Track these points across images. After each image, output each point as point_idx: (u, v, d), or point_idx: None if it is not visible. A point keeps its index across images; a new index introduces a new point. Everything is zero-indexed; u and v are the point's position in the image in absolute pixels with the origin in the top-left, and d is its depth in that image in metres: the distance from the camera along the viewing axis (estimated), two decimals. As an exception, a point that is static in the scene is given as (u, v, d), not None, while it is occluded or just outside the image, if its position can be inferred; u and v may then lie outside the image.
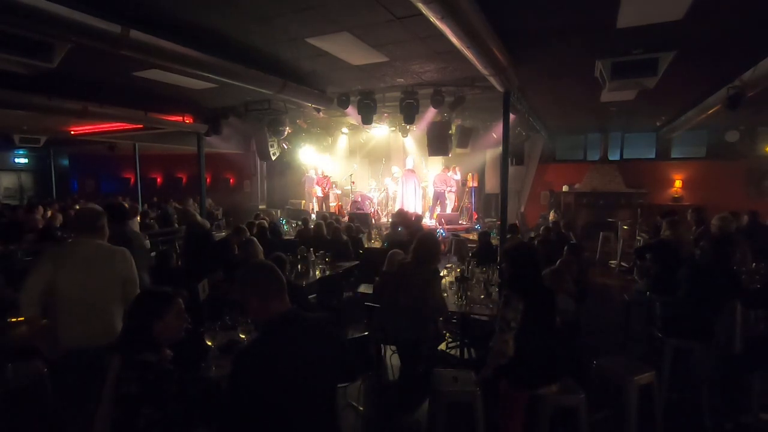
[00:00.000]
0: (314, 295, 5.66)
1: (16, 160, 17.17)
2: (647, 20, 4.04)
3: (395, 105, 7.02)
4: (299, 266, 5.45)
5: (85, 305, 2.57)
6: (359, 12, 3.89)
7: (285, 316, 1.74)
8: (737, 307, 4.17)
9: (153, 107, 7.84)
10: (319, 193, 13.08)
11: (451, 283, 4.75)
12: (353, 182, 12.89)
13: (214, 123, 8.48)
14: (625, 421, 3.12)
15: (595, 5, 3.76)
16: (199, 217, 6.92)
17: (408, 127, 9.24)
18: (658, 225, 6.58)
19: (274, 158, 9.86)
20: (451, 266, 5.39)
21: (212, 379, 2.52)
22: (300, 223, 8.65)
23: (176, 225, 10.53)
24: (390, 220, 10.30)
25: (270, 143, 9.33)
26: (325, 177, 13.10)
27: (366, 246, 7.80)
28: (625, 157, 11.99)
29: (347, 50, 4.96)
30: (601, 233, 9.69)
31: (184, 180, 16.67)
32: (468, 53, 4.02)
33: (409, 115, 6.81)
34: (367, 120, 7.13)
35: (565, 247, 4.74)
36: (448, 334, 4.87)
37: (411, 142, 12.27)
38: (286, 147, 11.01)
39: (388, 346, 4.74)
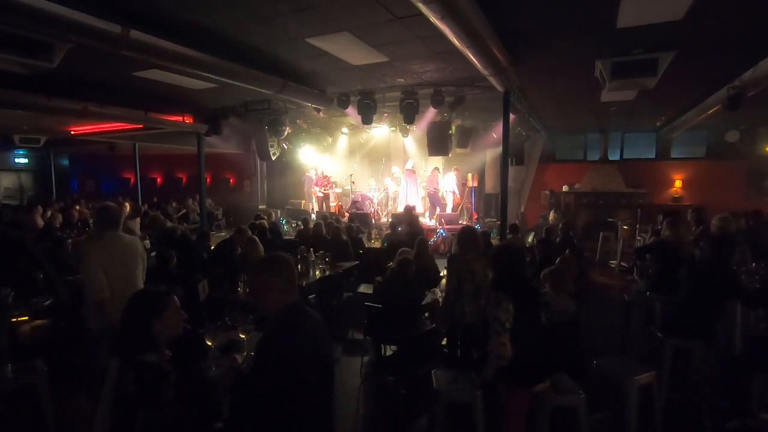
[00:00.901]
0: (314, 295, 5.66)
1: (16, 160, 17.16)
2: (647, 20, 4.04)
3: (395, 105, 7.03)
4: (299, 266, 5.44)
5: (128, 285, 3.14)
6: (359, 12, 3.89)
7: (297, 306, 1.83)
8: (737, 307, 4.18)
9: (153, 107, 7.84)
10: (319, 193, 13.08)
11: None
12: (353, 182, 12.89)
13: (214, 123, 8.48)
14: (625, 421, 3.12)
15: (595, 5, 3.76)
16: (169, 223, 6.96)
17: (408, 127, 9.24)
18: (658, 225, 6.58)
19: (274, 158, 9.87)
20: (451, 266, 5.38)
21: (212, 379, 2.52)
22: (300, 223, 8.65)
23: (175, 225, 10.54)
24: (390, 220, 10.31)
25: (270, 143, 9.34)
26: (325, 177, 13.10)
27: (366, 246, 7.80)
28: (625, 157, 11.99)
29: (347, 50, 4.96)
30: (601, 233, 9.69)
31: (184, 180, 16.66)
32: (468, 53, 4.02)
33: (409, 115, 6.81)
34: (367, 120, 7.14)
35: (566, 248, 4.74)
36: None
37: (411, 142, 12.28)
38: (286, 147, 11.02)
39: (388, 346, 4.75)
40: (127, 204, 9.83)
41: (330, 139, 12.43)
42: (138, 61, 4.67)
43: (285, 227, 9.90)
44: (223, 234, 10.23)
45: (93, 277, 3.08)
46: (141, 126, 8.76)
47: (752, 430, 3.25)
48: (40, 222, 8.07)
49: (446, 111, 7.77)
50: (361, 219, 10.23)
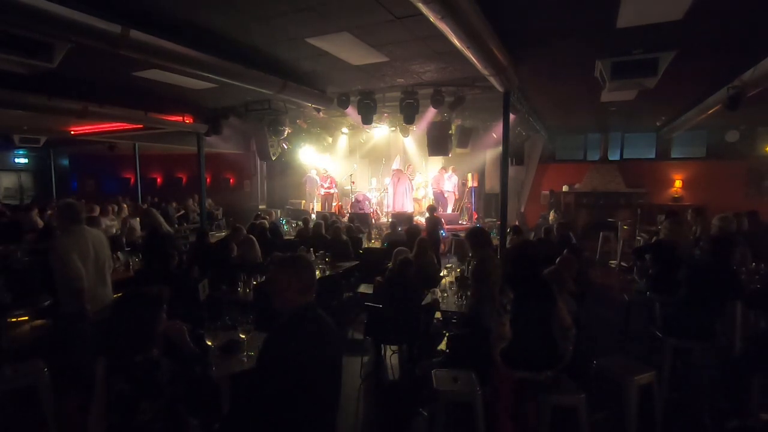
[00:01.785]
0: (314, 295, 5.66)
1: (16, 160, 17.16)
2: (647, 20, 4.04)
3: (395, 105, 7.02)
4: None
5: (98, 274, 3.52)
6: (359, 12, 3.89)
7: (310, 309, 1.86)
8: (737, 307, 4.18)
9: (153, 107, 7.83)
10: (321, 191, 13.11)
11: (451, 283, 4.75)
12: (353, 182, 12.89)
13: (214, 123, 8.48)
14: (625, 421, 3.12)
15: (595, 5, 3.76)
16: (164, 225, 6.94)
17: (408, 127, 9.24)
18: (658, 225, 6.58)
19: (274, 158, 9.86)
20: (451, 266, 5.39)
21: (212, 378, 2.52)
22: (300, 223, 8.65)
23: (176, 225, 10.55)
24: (390, 220, 10.32)
25: (270, 143, 9.33)
26: (329, 176, 13.14)
27: (366, 246, 7.79)
28: (625, 157, 11.99)
29: (347, 50, 4.95)
30: (601, 233, 9.68)
31: (184, 180, 16.66)
32: (468, 53, 4.02)
33: (409, 115, 6.81)
34: (367, 120, 7.13)
35: (564, 248, 4.73)
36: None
37: (411, 142, 12.30)
38: (286, 147, 11.01)
39: (388, 346, 4.76)
40: (125, 206, 9.85)
41: (330, 139, 12.44)
42: (138, 61, 4.67)
43: (285, 227, 9.88)
44: (224, 234, 10.22)
45: (73, 267, 3.29)
46: (141, 126, 8.75)
47: (752, 430, 3.25)
48: (40, 222, 8.07)
49: (446, 111, 7.77)
50: (361, 219, 10.23)
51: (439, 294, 4.56)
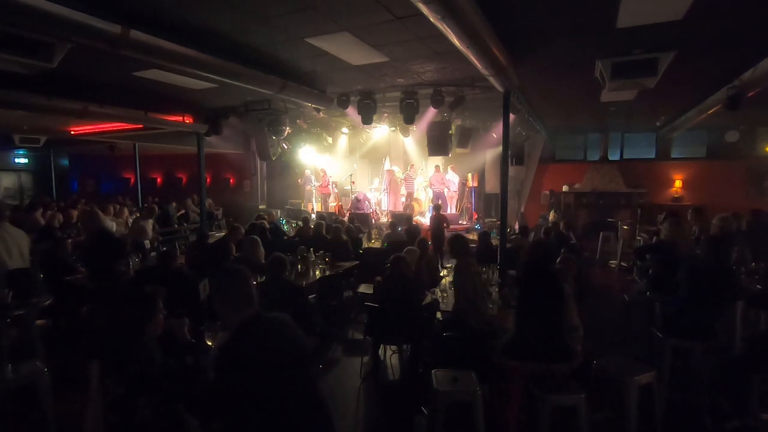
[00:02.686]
0: (314, 295, 5.66)
1: (16, 160, 17.15)
2: (647, 20, 4.04)
3: (395, 105, 7.02)
4: (299, 266, 5.44)
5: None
6: (359, 12, 3.89)
7: (251, 320, 1.82)
8: (737, 307, 4.19)
9: (153, 107, 7.83)
10: (312, 190, 13.22)
11: (450, 283, 4.74)
12: (353, 182, 12.89)
13: (214, 123, 8.48)
14: (625, 421, 3.12)
15: (595, 5, 3.76)
16: (107, 223, 6.77)
17: (408, 127, 9.24)
18: (658, 225, 6.58)
19: (274, 158, 9.86)
20: (451, 266, 5.38)
21: (206, 372, 2.52)
22: (300, 223, 8.64)
23: (176, 225, 10.55)
24: (390, 220, 10.32)
25: (270, 143, 9.33)
26: (324, 175, 13.17)
27: (366, 246, 7.79)
28: (625, 157, 11.99)
29: (347, 50, 4.95)
30: (601, 233, 9.69)
31: (184, 180, 16.65)
32: (468, 53, 4.02)
33: (409, 115, 6.81)
34: (367, 120, 7.13)
35: (562, 247, 4.74)
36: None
37: (411, 142, 12.32)
38: (286, 147, 11.01)
39: (388, 346, 4.76)
40: (125, 208, 9.85)
41: (330, 139, 12.45)
42: (138, 61, 4.67)
43: (285, 227, 9.89)
44: (223, 234, 10.22)
45: None
46: (141, 126, 8.74)
47: (752, 430, 3.25)
48: (42, 222, 8.07)
49: (446, 111, 7.77)
50: (361, 219, 10.23)
51: (439, 294, 4.57)
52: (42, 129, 10.44)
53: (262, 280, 4.49)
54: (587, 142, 12.37)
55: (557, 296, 3.07)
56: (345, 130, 11.53)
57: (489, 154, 12.53)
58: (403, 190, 12.58)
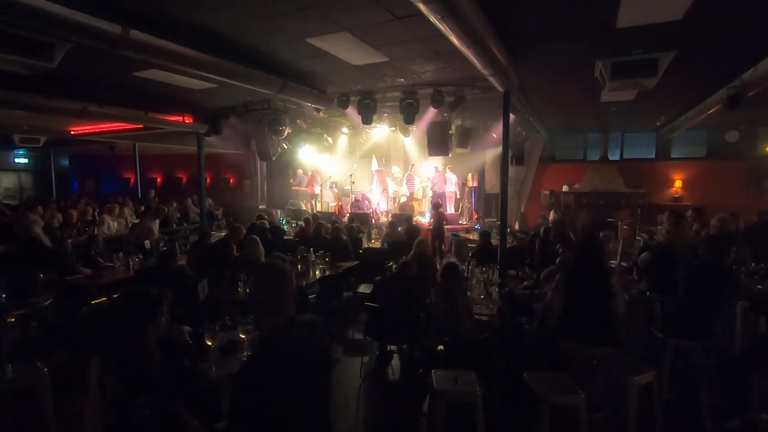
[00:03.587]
0: (314, 295, 5.65)
1: (16, 160, 17.16)
2: (647, 20, 4.04)
3: (395, 105, 7.02)
4: (299, 266, 5.44)
5: None
6: (359, 12, 3.89)
7: (287, 325, 1.77)
8: (738, 307, 4.19)
9: (153, 107, 7.84)
10: (298, 187, 13.39)
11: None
12: (353, 182, 12.89)
13: (214, 123, 8.48)
14: (625, 421, 3.12)
15: (595, 5, 3.76)
16: (36, 228, 5.87)
17: (408, 127, 9.25)
18: (658, 225, 6.58)
19: (274, 158, 9.86)
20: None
21: (212, 378, 2.52)
22: (301, 223, 8.64)
23: (175, 225, 10.55)
24: (389, 219, 10.32)
25: (270, 143, 9.33)
26: (313, 176, 13.24)
27: (366, 246, 7.79)
28: (625, 157, 11.98)
29: (347, 50, 4.95)
30: (601, 233, 9.67)
31: (184, 180, 16.65)
32: (468, 53, 4.02)
33: (409, 115, 6.81)
34: (367, 120, 7.13)
35: (558, 246, 4.72)
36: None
37: (411, 142, 12.31)
38: (286, 147, 11.01)
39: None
40: (126, 210, 9.85)
41: (330, 139, 12.45)
42: (138, 61, 4.67)
43: (285, 227, 9.88)
44: (224, 234, 10.23)
45: None
46: (141, 126, 8.75)
47: (752, 429, 3.25)
48: (41, 222, 8.06)
49: (446, 111, 7.77)
50: (361, 219, 10.23)
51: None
52: (42, 129, 10.44)
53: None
54: (587, 142, 12.36)
55: (608, 287, 3.41)
56: (345, 130, 11.52)
57: (489, 154, 12.53)
58: (405, 190, 12.56)
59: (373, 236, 8.68)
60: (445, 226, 10.62)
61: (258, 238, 5.29)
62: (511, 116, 6.26)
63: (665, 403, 3.52)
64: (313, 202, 13.41)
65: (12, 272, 4.44)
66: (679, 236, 4.91)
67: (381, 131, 11.64)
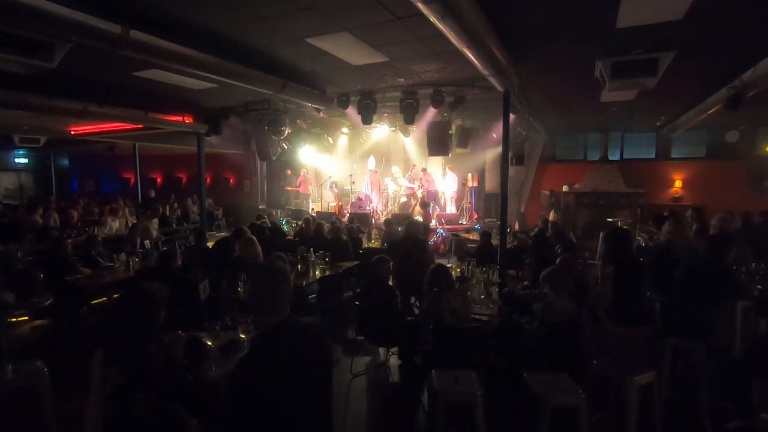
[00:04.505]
0: (314, 295, 5.66)
1: (16, 160, 17.16)
2: (647, 20, 4.04)
3: (395, 105, 7.02)
4: (299, 266, 5.45)
5: None
6: (359, 12, 3.89)
7: (283, 324, 1.76)
8: (738, 307, 4.18)
9: (153, 107, 7.83)
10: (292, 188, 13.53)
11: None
12: (353, 182, 12.89)
13: (214, 123, 8.47)
14: (625, 421, 3.12)
15: (595, 5, 3.76)
16: None
17: (408, 127, 9.25)
18: (659, 225, 6.58)
19: (274, 158, 9.85)
20: (451, 266, 5.39)
21: (212, 378, 2.53)
22: (301, 223, 8.64)
23: (175, 225, 10.55)
24: (386, 218, 10.32)
25: (270, 143, 9.32)
26: (304, 177, 13.34)
27: (366, 246, 7.79)
28: (625, 157, 11.98)
29: (347, 50, 4.95)
30: (601, 233, 9.67)
31: (184, 180, 16.65)
32: (468, 53, 4.02)
33: (409, 115, 6.80)
34: (367, 120, 7.13)
35: (557, 246, 4.73)
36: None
37: (411, 142, 12.31)
38: (286, 147, 11.00)
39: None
40: (126, 208, 9.84)
41: (330, 139, 12.45)
42: (138, 61, 4.66)
43: (285, 227, 9.89)
44: (224, 234, 10.23)
45: None
46: (141, 126, 8.74)
47: (752, 430, 3.25)
48: (41, 222, 8.07)
49: (446, 111, 7.77)
50: (361, 219, 10.22)
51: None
52: (42, 129, 10.44)
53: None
54: (587, 142, 12.36)
55: (643, 275, 4.01)
56: (345, 130, 11.52)
57: (489, 154, 12.53)
58: (405, 190, 12.56)
59: (373, 236, 8.67)
60: (445, 226, 10.66)
61: (255, 238, 5.29)
62: (511, 116, 6.26)
63: (665, 403, 3.52)
64: (308, 202, 13.47)
65: (14, 272, 4.46)
66: (679, 237, 4.91)
67: (381, 131, 11.64)
